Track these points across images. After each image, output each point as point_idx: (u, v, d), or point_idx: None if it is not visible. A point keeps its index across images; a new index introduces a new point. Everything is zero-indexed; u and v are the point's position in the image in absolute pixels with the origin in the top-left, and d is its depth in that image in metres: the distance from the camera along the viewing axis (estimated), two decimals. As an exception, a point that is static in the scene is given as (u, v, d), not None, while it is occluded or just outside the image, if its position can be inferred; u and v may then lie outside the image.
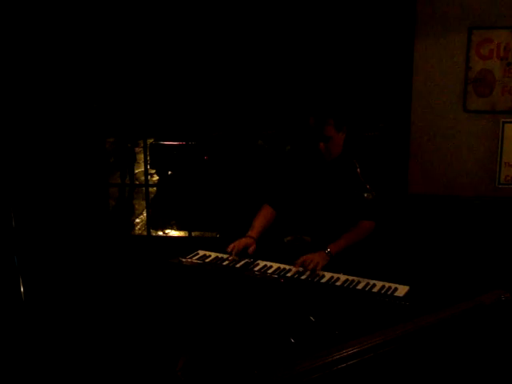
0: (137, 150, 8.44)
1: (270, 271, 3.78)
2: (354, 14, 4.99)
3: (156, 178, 6.83)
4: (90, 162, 5.32)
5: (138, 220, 8.07)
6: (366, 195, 3.89)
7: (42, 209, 5.13)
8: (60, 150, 5.22)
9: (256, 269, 3.82)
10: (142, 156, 6.19)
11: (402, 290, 3.54)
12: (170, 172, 6.83)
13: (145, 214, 7.76)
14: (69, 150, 5.24)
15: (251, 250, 3.93)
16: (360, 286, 3.59)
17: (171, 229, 6.88)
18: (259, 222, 4.14)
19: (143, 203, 7.70)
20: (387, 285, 3.62)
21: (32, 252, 4.61)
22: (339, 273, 3.74)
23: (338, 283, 3.63)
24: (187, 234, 5.80)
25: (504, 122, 4.94)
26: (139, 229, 7.67)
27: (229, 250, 3.92)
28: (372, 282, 3.64)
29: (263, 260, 3.94)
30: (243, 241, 3.97)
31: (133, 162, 8.64)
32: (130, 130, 6.42)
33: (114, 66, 5.27)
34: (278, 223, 4.26)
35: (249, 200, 5.21)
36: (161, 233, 6.83)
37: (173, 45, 5.21)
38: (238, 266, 3.86)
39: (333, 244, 3.89)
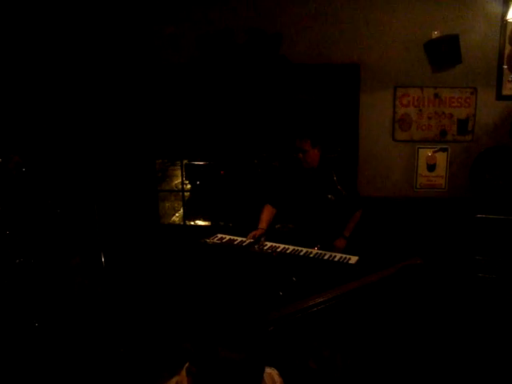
0: (177, 168, 8.46)
1: (265, 248, 3.78)
2: (319, 79, 4.97)
3: (189, 186, 6.82)
4: (146, 176, 5.33)
5: (177, 214, 8.08)
6: (330, 196, 3.91)
7: (114, 207, 5.13)
8: (127, 168, 5.23)
9: (256, 246, 3.80)
10: (179, 172, 6.17)
11: (353, 259, 3.57)
12: (198, 182, 6.79)
13: (181, 211, 7.76)
14: (133, 168, 5.25)
15: (264, 237, 3.92)
16: (326, 257, 3.61)
17: (199, 220, 6.84)
18: (266, 217, 4.10)
19: (180, 203, 7.68)
20: (344, 256, 3.63)
21: (108, 234, 4.61)
22: (313, 248, 3.74)
23: (311, 255, 3.65)
24: (210, 223, 5.79)
25: (418, 148, 4.95)
26: (178, 221, 7.69)
27: (249, 237, 3.91)
28: (334, 254, 3.66)
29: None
30: (258, 231, 3.96)
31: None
32: (171, 154, 6.42)
33: (162, 113, 5.26)
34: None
35: (251, 201, 5.20)
36: (192, 223, 6.79)
37: (203, 98, 5.19)
38: (244, 244, 3.86)
39: (346, 230, 3.98)
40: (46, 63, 4.99)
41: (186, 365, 1.54)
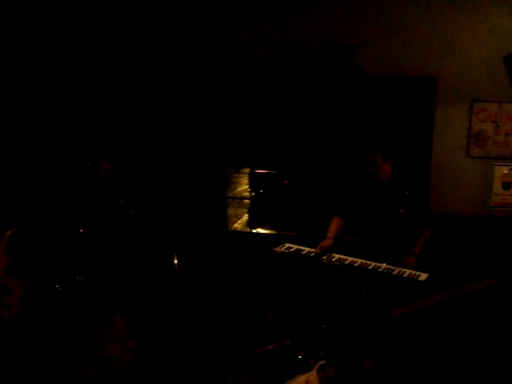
0: (241, 175, 8.56)
1: (333, 260, 3.78)
2: (392, 91, 4.93)
3: (253, 194, 6.89)
4: (216, 182, 5.44)
5: (239, 221, 8.18)
6: (402, 211, 3.85)
7: (187, 209, 5.23)
8: (198, 173, 5.36)
9: (324, 257, 3.81)
10: (244, 179, 6.27)
11: (423, 276, 3.50)
12: (261, 190, 6.88)
13: (244, 218, 7.85)
14: (203, 174, 5.37)
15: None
16: (395, 272, 3.57)
17: (261, 228, 6.90)
18: (334, 228, 4.05)
19: (244, 210, 7.79)
20: (413, 272, 3.57)
21: (181, 235, 4.70)
22: (382, 263, 3.71)
23: (380, 270, 3.61)
24: (277, 232, 5.81)
25: (494, 165, 4.83)
26: (241, 228, 7.78)
27: (318, 247, 3.89)
28: (403, 269, 3.61)
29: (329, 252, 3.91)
30: (327, 241, 3.93)
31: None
32: (238, 162, 6.54)
33: (233, 119, 5.36)
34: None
35: (315, 211, 5.21)
36: (254, 230, 6.86)
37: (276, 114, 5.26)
38: (312, 255, 3.86)
39: (416, 247, 3.87)
40: (130, 75, 5.20)
41: (318, 365, 1.62)
